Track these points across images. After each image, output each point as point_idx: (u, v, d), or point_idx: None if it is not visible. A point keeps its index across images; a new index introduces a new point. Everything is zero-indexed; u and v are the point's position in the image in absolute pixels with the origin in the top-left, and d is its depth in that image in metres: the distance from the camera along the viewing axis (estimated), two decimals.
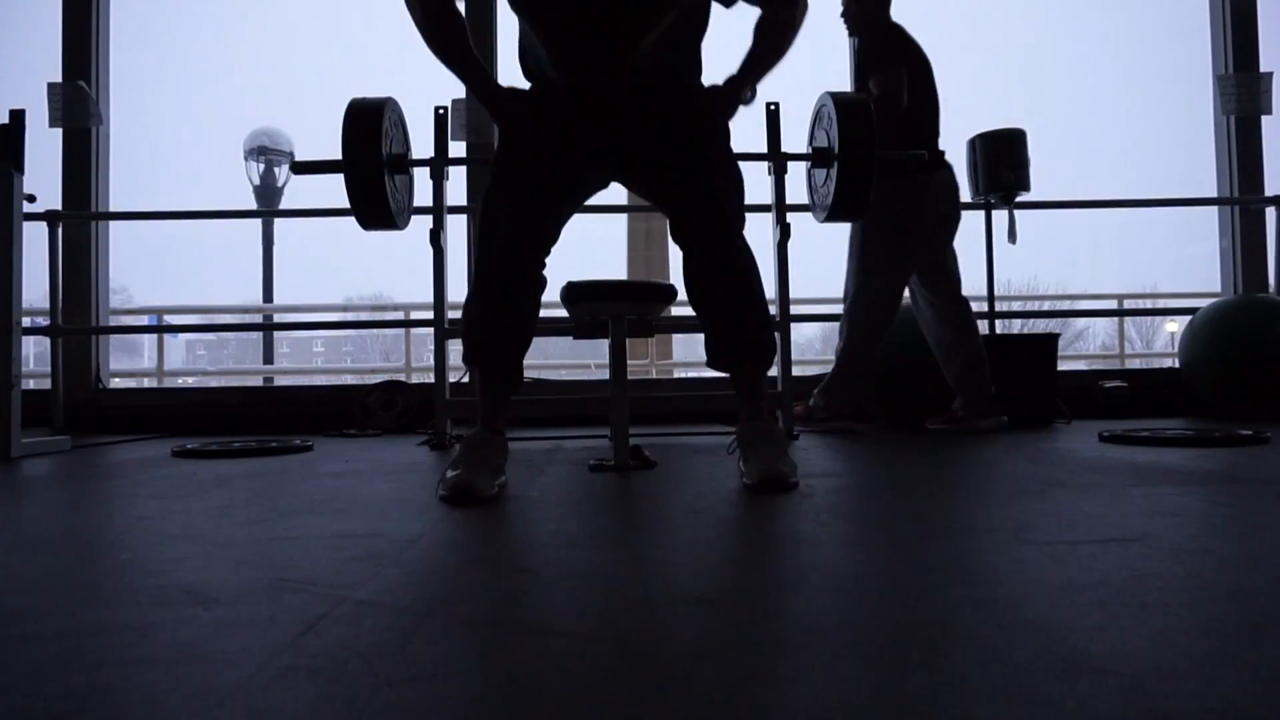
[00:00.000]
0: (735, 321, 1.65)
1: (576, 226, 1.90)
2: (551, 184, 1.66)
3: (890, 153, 2.59)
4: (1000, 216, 3.44)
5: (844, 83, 3.98)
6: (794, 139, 2.82)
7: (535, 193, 1.64)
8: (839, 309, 3.60)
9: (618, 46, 1.60)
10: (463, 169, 3.72)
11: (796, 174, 2.88)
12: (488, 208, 1.66)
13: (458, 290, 2.64)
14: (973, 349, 2.92)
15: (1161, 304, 8.80)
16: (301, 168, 2.70)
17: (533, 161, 1.65)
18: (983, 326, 3.55)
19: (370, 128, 2.39)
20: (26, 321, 2.57)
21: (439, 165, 2.77)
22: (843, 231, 4.01)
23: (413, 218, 2.82)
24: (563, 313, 2.11)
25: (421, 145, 2.73)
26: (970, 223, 3.44)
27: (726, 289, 1.64)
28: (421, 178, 2.78)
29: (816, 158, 2.60)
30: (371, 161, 2.38)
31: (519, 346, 1.66)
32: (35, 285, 3.29)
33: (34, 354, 5.44)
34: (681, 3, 1.59)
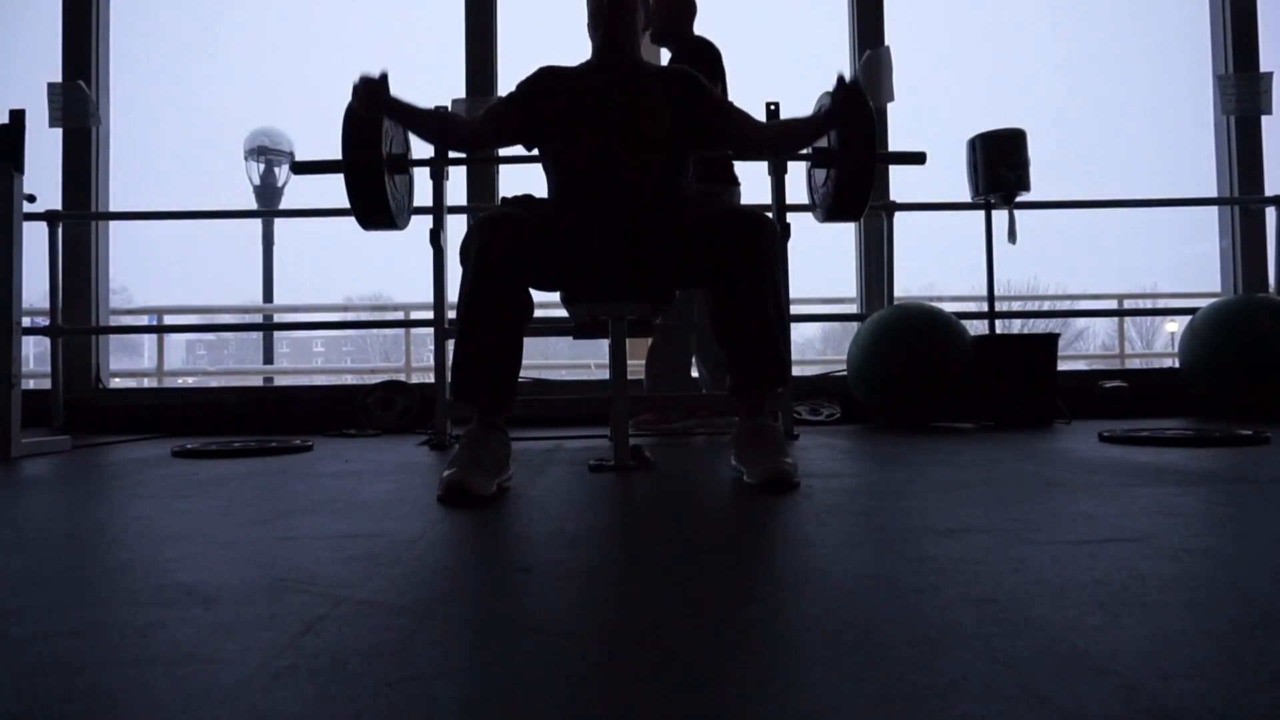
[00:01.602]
0: (767, 356, 1.67)
1: None
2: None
3: (888, 152, 2.60)
4: (1000, 216, 3.44)
5: None
6: None
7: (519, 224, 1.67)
8: (839, 309, 3.59)
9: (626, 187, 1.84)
10: (463, 169, 3.72)
11: (796, 174, 2.88)
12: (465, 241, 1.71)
13: (457, 290, 2.65)
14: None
15: (1161, 304, 8.80)
16: (301, 168, 2.70)
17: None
18: (982, 326, 3.57)
19: (370, 128, 2.38)
20: (26, 321, 2.57)
21: (439, 165, 2.77)
22: (845, 231, 4.02)
23: (413, 218, 2.82)
24: (563, 313, 2.11)
25: (421, 145, 2.73)
26: (970, 223, 3.44)
27: (760, 334, 1.66)
28: (421, 178, 2.78)
29: (816, 158, 2.60)
30: (371, 161, 2.38)
31: (508, 373, 1.65)
32: (35, 285, 3.30)
33: (34, 354, 5.44)
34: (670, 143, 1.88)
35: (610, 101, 1.88)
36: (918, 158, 2.71)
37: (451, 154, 2.82)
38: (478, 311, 1.61)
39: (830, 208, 2.51)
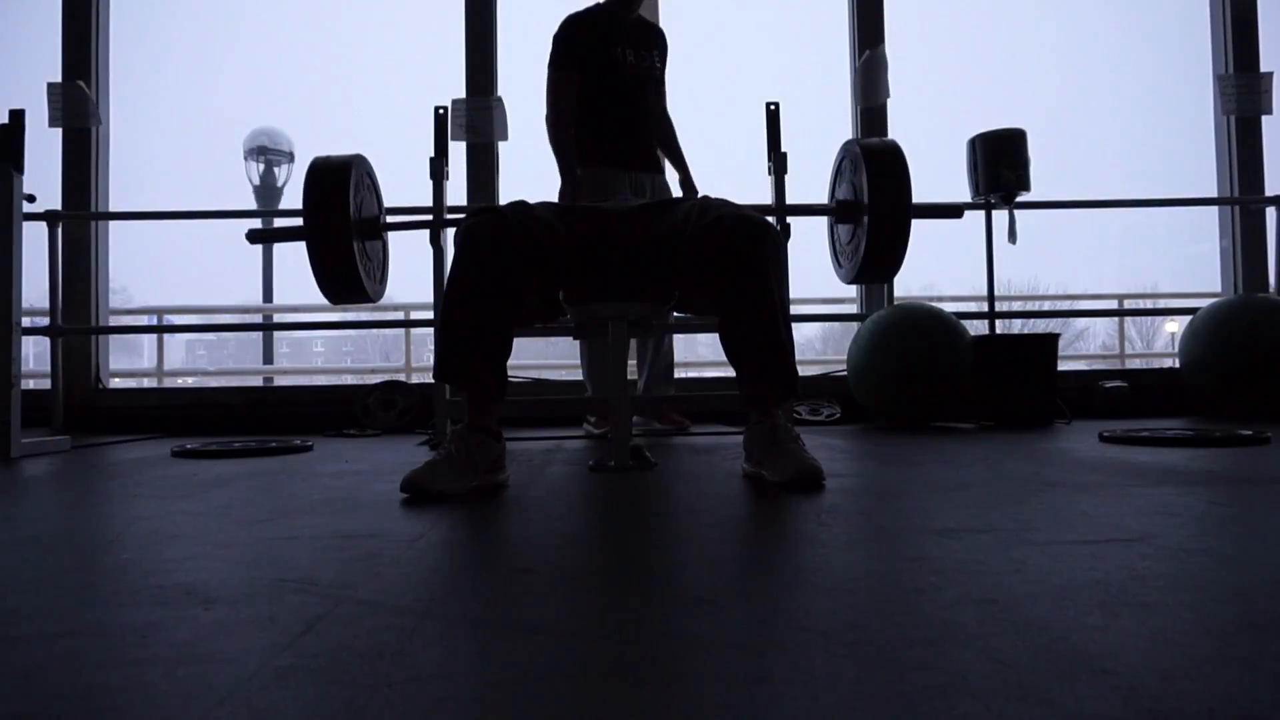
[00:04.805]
0: (775, 370, 1.66)
1: None
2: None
3: (924, 204, 2.30)
4: (1000, 216, 3.44)
5: (844, 92, 3.98)
6: (797, 146, 2.82)
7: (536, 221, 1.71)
8: (839, 309, 3.56)
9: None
10: (463, 169, 3.72)
11: (797, 173, 2.87)
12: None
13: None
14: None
15: (1161, 304, 8.80)
16: (258, 236, 2.41)
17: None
18: (983, 326, 3.57)
19: (335, 191, 2.13)
20: (26, 321, 2.56)
21: (439, 165, 2.76)
22: None
23: (413, 216, 2.80)
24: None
25: (422, 145, 2.72)
26: (970, 223, 3.43)
27: (770, 348, 1.64)
28: (421, 177, 2.78)
29: (841, 211, 2.37)
30: (337, 228, 2.12)
31: (493, 352, 1.63)
32: (35, 285, 3.30)
33: (34, 354, 5.44)
34: None
35: None
36: (954, 211, 2.54)
37: (451, 153, 2.81)
38: (465, 283, 1.60)
39: (860, 267, 2.29)
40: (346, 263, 2.15)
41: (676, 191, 3.00)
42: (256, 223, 7.45)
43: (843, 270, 2.48)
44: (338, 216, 2.11)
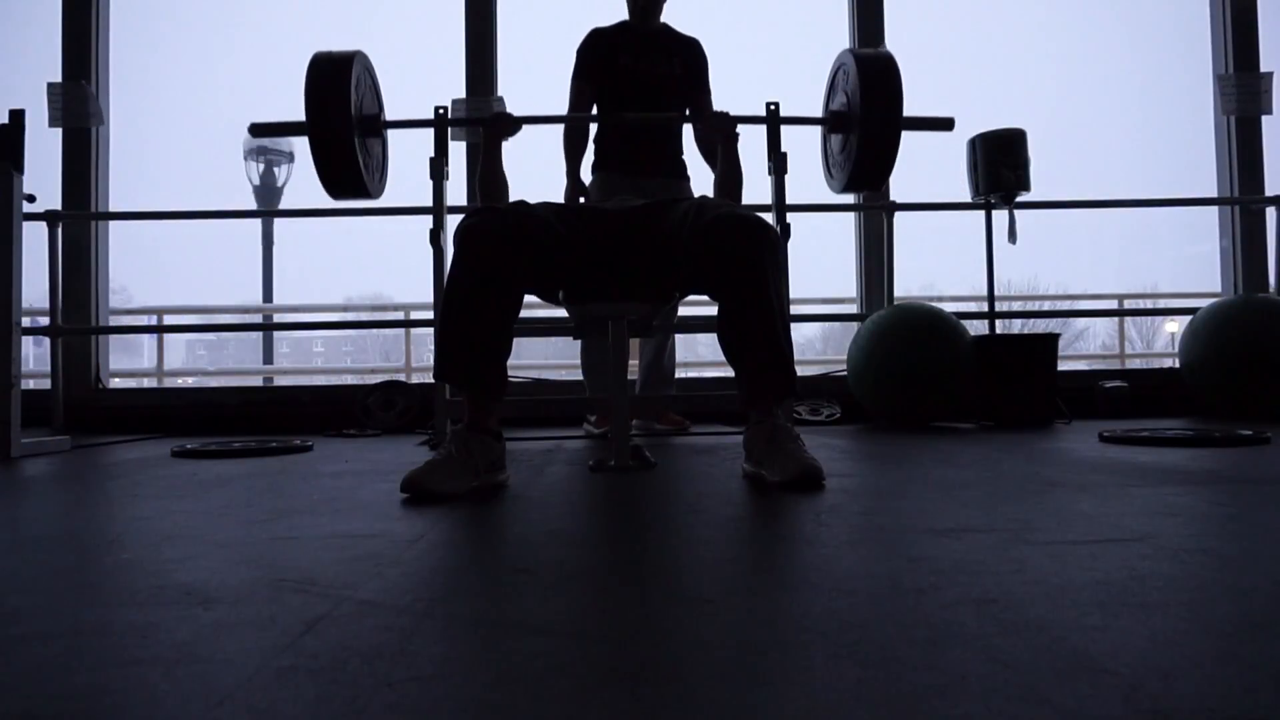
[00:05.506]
0: (775, 370, 1.65)
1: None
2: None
3: (915, 116, 2.33)
4: (1000, 216, 3.44)
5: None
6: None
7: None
8: (839, 309, 3.54)
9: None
10: (463, 168, 3.72)
11: (797, 173, 2.87)
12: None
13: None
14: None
15: (1161, 304, 8.80)
16: (261, 130, 2.49)
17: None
18: (983, 326, 3.57)
19: (336, 84, 2.14)
20: (26, 321, 2.57)
21: (439, 163, 2.76)
22: (845, 231, 4.01)
23: (413, 216, 2.79)
24: (562, 313, 2.10)
25: (422, 145, 2.72)
26: (970, 223, 3.43)
27: (769, 348, 1.64)
28: (421, 176, 2.78)
29: (834, 122, 2.39)
30: (338, 123, 2.14)
31: (493, 352, 1.63)
32: (35, 285, 3.30)
33: (34, 354, 5.43)
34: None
35: None
36: (945, 123, 2.55)
37: (451, 154, 2.81)
38: (464, 283, 1.60)
39: (850, 176, 2.32)
40: (348, 155, 2.17)
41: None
42: (257, 224, 7.49)
43: (834, 181, 2.50)
44: (339, 108, 2.13)
